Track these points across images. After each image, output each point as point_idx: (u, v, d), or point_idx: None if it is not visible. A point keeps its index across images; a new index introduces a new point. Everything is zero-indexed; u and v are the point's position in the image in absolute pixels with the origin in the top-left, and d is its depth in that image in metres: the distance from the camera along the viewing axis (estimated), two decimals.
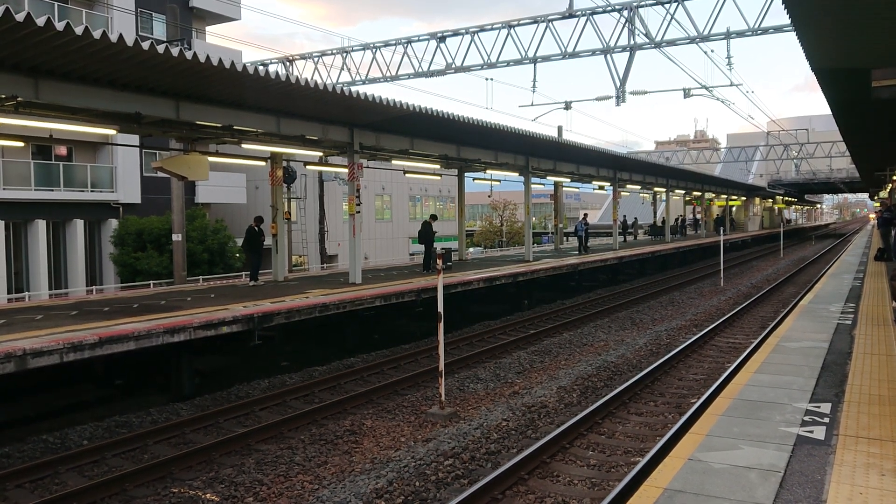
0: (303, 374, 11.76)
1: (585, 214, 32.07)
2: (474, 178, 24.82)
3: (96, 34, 8.13)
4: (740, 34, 17.05)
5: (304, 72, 23.41)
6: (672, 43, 17.72)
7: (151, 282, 22.17)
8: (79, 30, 7.99)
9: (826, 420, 5.77)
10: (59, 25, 7.78)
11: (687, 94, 21.98)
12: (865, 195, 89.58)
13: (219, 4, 30.68)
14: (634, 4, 17.70)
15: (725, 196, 53.26)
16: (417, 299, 14.27)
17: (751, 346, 12.47)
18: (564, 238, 37.86)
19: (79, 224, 25.51)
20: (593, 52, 18.80)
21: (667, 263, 31.76)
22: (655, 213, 49.20)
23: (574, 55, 18.83)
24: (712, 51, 38.45)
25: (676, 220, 48.77)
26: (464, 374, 11.56)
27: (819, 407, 6.16)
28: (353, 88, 12.59)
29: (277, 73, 10.77)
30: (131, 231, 24.56)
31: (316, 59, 23.10)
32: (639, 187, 36.95)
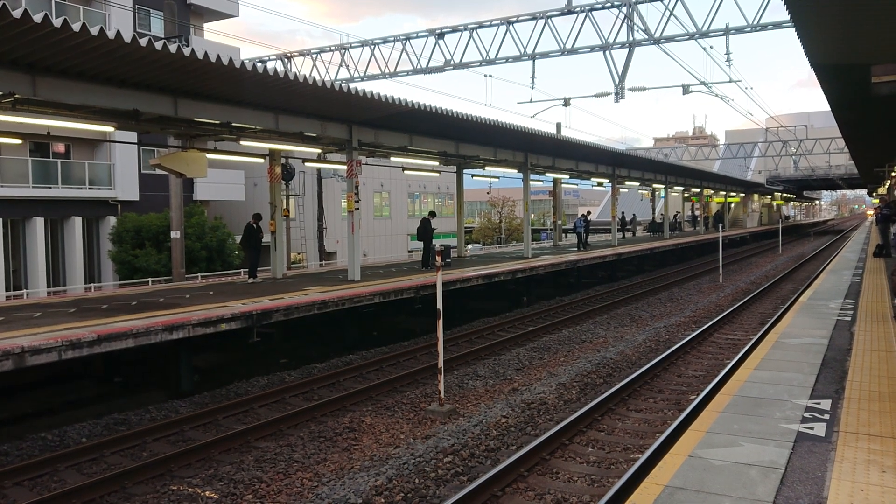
0: (302, 371, 11.75)
1: (588, 212, 32.09)
2: (473, 175, 24.77)
3: (94, 31, 8.09)
4: (739, 30, 17.01)
5: (302, 68, 23.36)
6: (671, 39, 17.68)
7: (150, 279, 22.13)
8: (76, 26, 7.95)
9: (826, 417, 5.77)
10: (57, 22, 7.74)
11: (686, 90, 21.95)
12: (864, 192, 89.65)
13: (217, 1, 30.60)
14: (633, 0, 17.66)
15: (724, 192, 53.27)
16: (416, 296, 14.26)
17: (750, 343, 12.47)
18: (563, 235, 37.86)
19: (77, 221, 25.47)
20: (592, 49, 18.75)
21: (665, 260, 31.77)
22: (654, 209, 49.20)
23: (573, 51, 18.79)
24: (711, 47, 38.53)
25: (674, 216, 48.80)
26: (463, 371, 11.55)
27: (819, 403, 6.16)
28: (352, 85, 12.57)
29: (276, 69, 10.73)
30: (129, 228, 24.51)
31: (314, 56, 23.04)
32: (637, 184, 36.95)
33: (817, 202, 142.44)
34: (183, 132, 13.62)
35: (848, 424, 5.55)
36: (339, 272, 18.22)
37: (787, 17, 8.09)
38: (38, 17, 7.55)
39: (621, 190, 36.68)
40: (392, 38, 21.38)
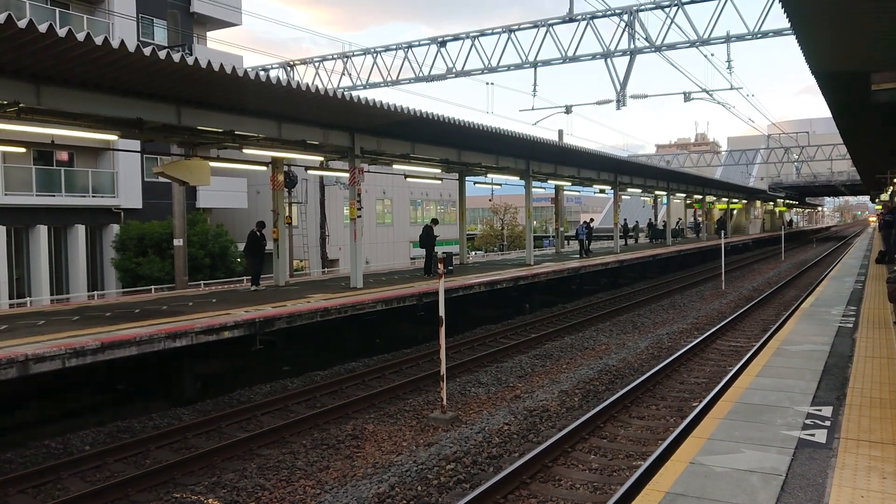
0: (304, 378, 11.77)
1: (591, 219, 32.12)
2: (475, 182, 24.84)
3: (98, 40, 8.16)
4: (740, 38, 17.07)
5: (305, 76, 23.46)
6: (672, 47, 17.73)
7: (153, 287, 22.18)
8: (80, 36, 8.01)
9: (827, 423, 5.78)
10: (61, 32, 7.81)
11: (687, 97, 22.02)
12: (866, 198, 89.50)
13: (220, 10, 30.75)
14: (634, 8, 17.73)
15: (727, 199, 53.25)
16: (419, 303, 14.28)
17: (752, 350, 12.47)
18: (566, 241, 37.85)
19: (80, 229, 25.55)
20: (594, 56, 18.81)
21: (668, 267, 31.76)
22: (656, 216, 49.16)
23: (574, 59, 18.85)
24: (712, 54, 38.54)
25: (677, 222, 48.78)
26: (465, 378, 11.56)
27: (820, 410, 6.16)
28: (354, 93, 12.62)
29: (279, 78, 10.79)
30: (133, 236, 24.59)
31: (317, 64, 23.16)
32: (640, 191, 36.95)
33: (820, 208, 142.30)
34: (186, 140, 13.69)
35: (849, 431, 5.55)
36: (341, 279, 18.25)
37: (788, 25, 8.12)
38: (42, 27, 7.62)
39: (623, 197, 36.70)
40: (394, 47, 21.48)
